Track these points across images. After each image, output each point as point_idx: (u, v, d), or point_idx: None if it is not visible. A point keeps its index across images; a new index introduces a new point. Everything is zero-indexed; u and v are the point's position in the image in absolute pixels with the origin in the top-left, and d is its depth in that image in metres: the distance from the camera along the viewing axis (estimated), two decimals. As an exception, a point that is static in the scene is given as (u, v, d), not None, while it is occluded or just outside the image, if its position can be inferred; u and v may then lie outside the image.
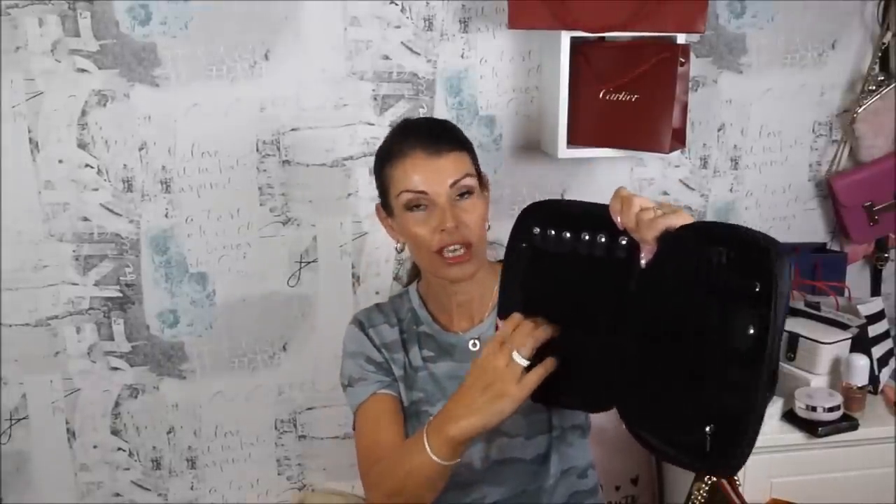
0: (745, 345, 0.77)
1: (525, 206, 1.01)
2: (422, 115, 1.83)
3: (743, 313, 0.77)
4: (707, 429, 0.80)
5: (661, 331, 0.88)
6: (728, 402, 0.79)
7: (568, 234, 0.95)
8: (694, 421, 0.81)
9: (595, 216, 0.92)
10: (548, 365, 0.97)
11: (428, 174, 1.14)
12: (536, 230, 0.98)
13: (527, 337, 0.96)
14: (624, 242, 0.92)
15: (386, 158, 1.20)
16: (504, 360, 0.96)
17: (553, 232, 0.97)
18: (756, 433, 0.78)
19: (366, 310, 1.33)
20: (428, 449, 1.01)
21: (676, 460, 0.88)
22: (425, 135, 1.18)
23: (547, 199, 1.03)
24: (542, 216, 0.99)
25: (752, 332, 0.77)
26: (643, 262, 0.90)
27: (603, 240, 0.93)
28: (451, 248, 1.14)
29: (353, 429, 1.27)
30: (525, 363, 0.96)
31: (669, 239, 0.86)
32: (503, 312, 1.01)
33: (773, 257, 0.76)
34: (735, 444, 0.79)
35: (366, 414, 1.24)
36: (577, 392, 0.98)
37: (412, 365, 1.25)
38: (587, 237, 0.94)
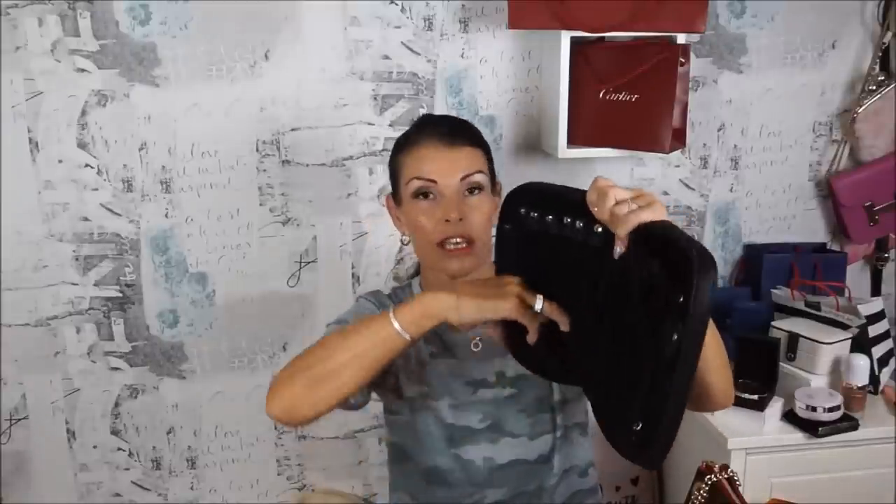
0: (670, 351, 0.80)
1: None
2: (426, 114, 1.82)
3: (670, 321, 0.80)
4: (635, 426, 0.84)
5: (616, 327, 0.90)
6: (652, 404, 0.83)
7: (550, 217, 0.97)
8: (630, 419, 0.85)
9: (577, 202, 0.94)
10: (547, 307, 0.98)
11: (440, 164, 1.14)
12: (522, 211, 1.01)
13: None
14: (599, 230, 0.93)
15: (401, 146, 1.20)
16: (510, 283, 0.99)
17: (536, 214, 0.99)
18: (671, 434, 0.82)
19: (374, 291, 1.30)
20: (391, 315, 0.98)
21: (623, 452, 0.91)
22: (443, 127, 1.19)
23: (531, 182, 1.04)
24: (529, 198, 1.01)
25: (675, 338, 0.80)
26: (616, 253, 0.91)
27: (580, 225, 0.94)
28: (454, 240, 1.14)
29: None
30: (539, 301, 0.97)
31: (637, 237, 0.87)
32: None
33: (695, 271, 0.78)
34: (652, 443, 0.83)
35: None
36: (555, 358, 1.01)
37: (419, 358, 1.23)
38: (568, 220, 0.96)
